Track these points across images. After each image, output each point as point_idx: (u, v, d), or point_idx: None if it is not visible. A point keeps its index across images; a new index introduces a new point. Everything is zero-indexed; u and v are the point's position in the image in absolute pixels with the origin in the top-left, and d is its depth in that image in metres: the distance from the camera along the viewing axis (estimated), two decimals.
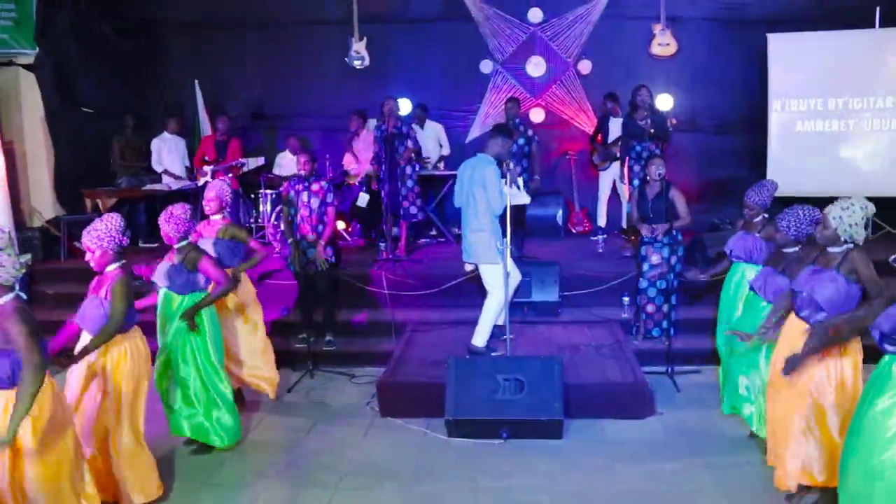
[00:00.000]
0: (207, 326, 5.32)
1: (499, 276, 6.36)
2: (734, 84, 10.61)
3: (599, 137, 10.03)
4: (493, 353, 6.59)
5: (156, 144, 10.25)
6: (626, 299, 7.65)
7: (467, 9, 11.04)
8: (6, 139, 9.59)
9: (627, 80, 9.39)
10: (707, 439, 5.55)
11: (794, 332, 4.41)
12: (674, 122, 8.95)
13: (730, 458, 5.24)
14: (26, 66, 10.05)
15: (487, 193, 6.30)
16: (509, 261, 6.32)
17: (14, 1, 9.81)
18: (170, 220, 5.24)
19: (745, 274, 5.74)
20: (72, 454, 3.94)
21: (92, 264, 4.55)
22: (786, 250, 5.11)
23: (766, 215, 5.80)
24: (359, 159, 10.11)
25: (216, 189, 6.20)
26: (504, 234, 6.30)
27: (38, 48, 9.94)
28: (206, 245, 5.81)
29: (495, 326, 6.61)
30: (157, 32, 11.44)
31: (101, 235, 4.44)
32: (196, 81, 10.86)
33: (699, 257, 8.10)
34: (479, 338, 6.58)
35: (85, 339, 4.53)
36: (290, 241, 7.19)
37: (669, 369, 6.62)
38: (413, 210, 9.11)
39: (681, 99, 10.53)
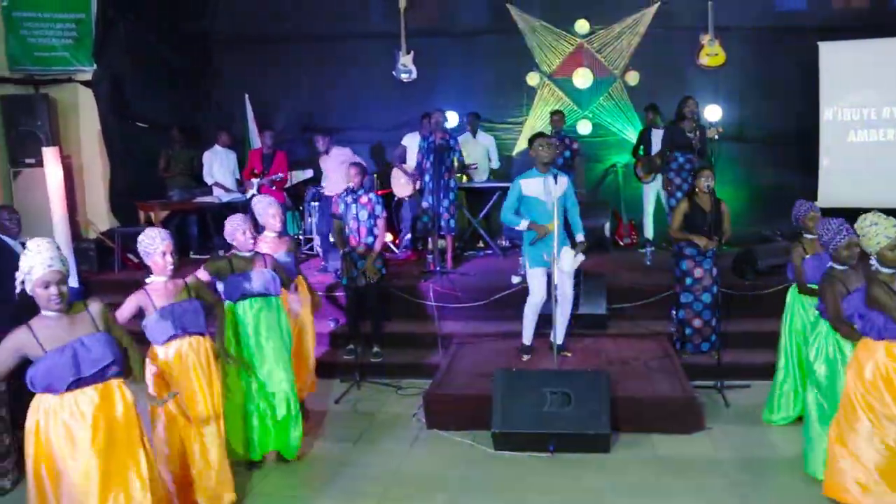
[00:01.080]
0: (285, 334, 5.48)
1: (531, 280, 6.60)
2: (784, 94, 10.46)
3: (641, 150, 9.96)
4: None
5: (207, 157, 10.43)
6: (674, 313, 7.57)
7: (514, 21, 11.06)
8: (65, 153, 9.87)
9: (675, 91, 9.29)
10: (757, 456, 5.45)
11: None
12: (720, 130, 8.85)
13: (780, 476, 5.14)
14: (84, 83, 10.35)
15: None
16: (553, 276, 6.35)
17: (75, 20, 10.13)
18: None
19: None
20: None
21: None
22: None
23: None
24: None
25: (276, 207, 6.21)
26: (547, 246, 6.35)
27: (95, 65, 10.23)
28: (281, 258, 5.93)
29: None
30: (209, 47, 11.69)
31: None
32: (246, 95, 11.04)
33: (749, 269, 8.00)
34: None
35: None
36: (340, 252, 7.27)
37: (719, 384, 6.53)
38: (453, 223, 9.11)
39: (729, 109, 10.44)
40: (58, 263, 3.67)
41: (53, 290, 3.65)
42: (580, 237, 6.65)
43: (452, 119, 10.57)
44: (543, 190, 6.49)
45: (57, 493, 3.70)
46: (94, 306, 3.89)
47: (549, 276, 6.45)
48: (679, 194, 8.28)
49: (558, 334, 6.53)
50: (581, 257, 6.57)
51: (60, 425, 3.70)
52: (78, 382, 3.72)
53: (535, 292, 6.68)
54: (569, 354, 6.78)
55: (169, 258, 4.51)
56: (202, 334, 4.74)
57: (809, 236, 5.74)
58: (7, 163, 9.93)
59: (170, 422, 4.59)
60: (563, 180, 6.57)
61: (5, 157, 9.93)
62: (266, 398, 5.35)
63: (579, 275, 7.91)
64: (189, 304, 4.65)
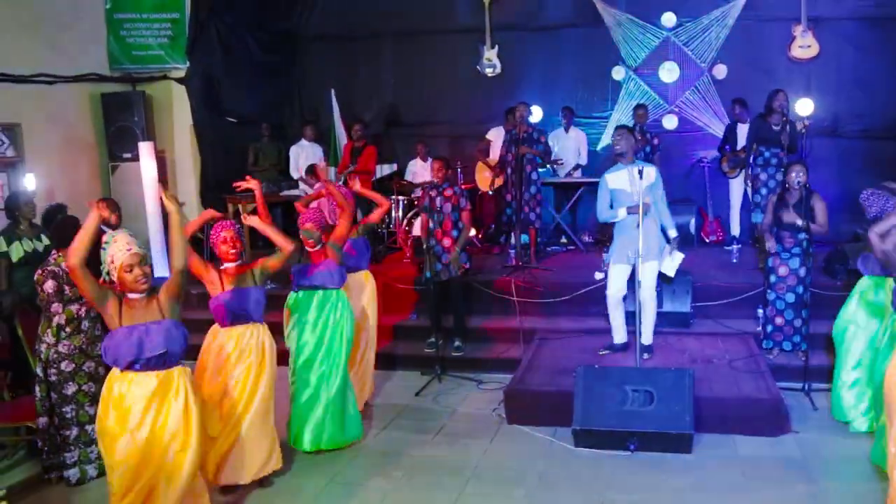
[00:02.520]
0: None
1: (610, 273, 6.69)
2: (881, 87, 10.09)
3: (728, 145, 9.73)
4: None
5: (294, 151, 10.64)
6: (760, 312, 7.39)
7: (599, 15, 10.95)
8: (158, 148, 10.24)
9: (765, 85, 9.01)
10: (845, 461, 5.30)
11: None
12: (807, 123, 8.59)
13: (869, 483, 4.98)
14: (178, 80, 10.73)
15: None
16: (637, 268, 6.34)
17: (170, 20, 10.51)
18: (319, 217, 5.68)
19: None
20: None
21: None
22: None
23: None
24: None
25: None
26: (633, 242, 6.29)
27: (188, 62, 10.58)
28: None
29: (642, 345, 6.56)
30: (297, 44, 11.94)
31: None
32: (332, 90, 11.20)
33: (840, 269, 7.76)
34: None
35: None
36: (425, 246, 7.33)
37: (806, 386, 6.36)
38: (532, 216, 9.00)
39: (822, 103, 10.05)
40: (136, 247, 3.97)
41: (138, 271, 3.96)
42: (672, 232, 6.58)
43: (537, 113, 10.54)
44: (629, 181, 6.44)
45: (112, 461, 3.99)
46: (163, 294, 4.09)
47: (634, 272, 6.40)
48: (764, 190, 8.09)
49: (643, 335, 6.49)
50: (680, 256, 6.52)
51: (120, 400, 3.96)
52: (138, 363, 3.95)
53: (612, 285, 6.64)
54: (646, 356, 6.66)
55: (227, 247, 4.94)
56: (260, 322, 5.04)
57: None
58: (106, 157, 10.37)
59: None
60: (651, 171, 6.50)
61: (105, 151, 10.39)
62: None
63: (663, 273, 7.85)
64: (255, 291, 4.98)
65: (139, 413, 3.95)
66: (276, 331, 5.37)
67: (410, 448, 5.82)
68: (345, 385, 5.64)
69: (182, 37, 10.65)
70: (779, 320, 6.88)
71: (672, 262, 6.63)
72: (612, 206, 6.55)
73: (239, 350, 4.88)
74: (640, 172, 6.28)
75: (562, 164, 10.03)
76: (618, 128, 6.73)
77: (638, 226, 6.16)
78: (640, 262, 6.24)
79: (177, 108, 10.94)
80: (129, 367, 3.96)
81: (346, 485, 5.24)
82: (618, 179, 6.51)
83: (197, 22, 10.58)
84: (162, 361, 4.01)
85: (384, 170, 10.93)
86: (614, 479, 5.17)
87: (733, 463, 5.35)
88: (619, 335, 6.87)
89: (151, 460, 3.98)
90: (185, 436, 4.06)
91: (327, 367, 5.54)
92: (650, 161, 8.76)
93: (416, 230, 9.62)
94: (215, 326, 4.98)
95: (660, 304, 7.56)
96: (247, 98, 11.28)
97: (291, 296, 5.72)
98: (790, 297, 6.79)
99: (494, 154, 9.97)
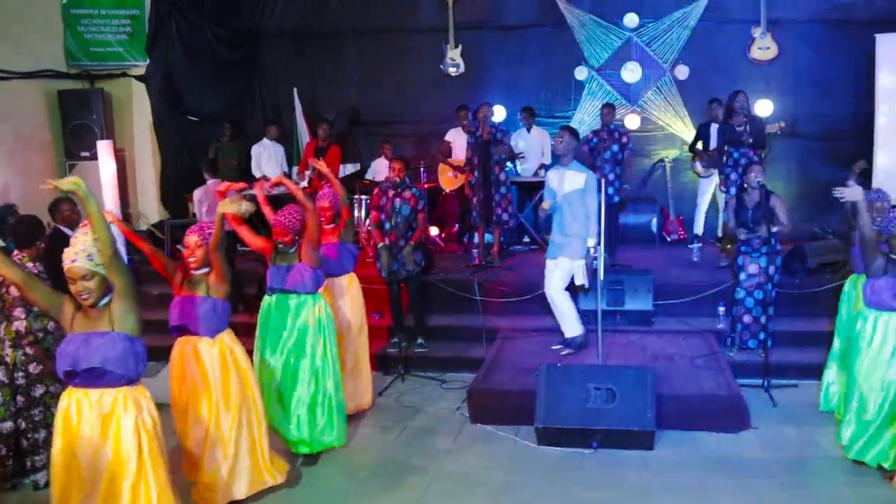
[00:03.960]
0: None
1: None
2: (839, 88, 10.25)
3: (700, 144, 9.77)
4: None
5: (256, 150, 10.52)
6: (721, 309, 7.47)
7: (562, 15, 10.98)
8: (118, 147, 10.09)
9: (726, 86, 9.06)
10: (804, 457, 5.37)
11: None
12: (782, 125, 8.68)
13: (827, 478, 5.07)
14: (137, 77, 10.57)
15: None
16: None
17: (129, 16, 10.35)
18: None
19: None
20: None
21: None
22: None
23: None
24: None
25: (330, 198, 6.27)
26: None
27: (148, 59, 10.43)
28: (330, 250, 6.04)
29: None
30: (259, 42, 11.81)
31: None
32: (295, 89, 11.11)
33: (799, 267, 7.86)
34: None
35: None
36: (380, 245, 7.28)
37: (766, 383, 6.43)
38: (505, 217, 9.02)
39: (782, 104, 10.20)
40: (82, 259, 3.60)
41: (78, 286, 3.62)
42: (591, 241, 6.59)
43: (500, 113, 10.54)
44: (556, 183, 6.66)
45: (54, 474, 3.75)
46: (117, 303, 3.70)
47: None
48: (733, 190, 8.16)
49: (563, 328, 6.84)
50: (580, 263, 6.59)
51: (67, 415, 3.71)
52: (77, 377, 3.66)
53: (545, 281, 6.85)
54: (557, 346, 6.94)
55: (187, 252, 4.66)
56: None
57: None
58: (63, 156, 10.18)
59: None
60: (579, 178, 6.58)
61: (62, 150, 10.19)
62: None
63: (625, 271, 7.91)
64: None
65: (80, 433, 3.66)
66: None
67: (374, 448, 5.79)
68: (329, 389, 5.42)
69: (142, 33, 10.49)
70: (747, 318, 6.95)
71: (581, 271, 6.66)
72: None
73: (196, 364, 4.60)
74: (568, 175, 6.54)
75: (523, 157, 10.00)
76: (561, 128, 6.86)
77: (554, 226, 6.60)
78: (555, 258, 6.64)
79: (136, 106, 10.76)
80: (68, 379, 3.68)
81: (309, 486, 5.19)
82: (553, 178, 6.74)
83: (157, 18, 10.41)
84: (102, 378, 3.66)
85: (347, 169, 10.85)
86: (577, 476, 5.18)
87: (694, 459, 5.39)
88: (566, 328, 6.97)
89: (93, 488, 3.67)
90: (137, 470, 3.72)
91: (306, 373, 5.32)
92: (618, 160, 8.82)
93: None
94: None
95: (622, 302, 7.63)
96: (208, 96, 11.13)
97: (265, 299, 5.49)
98: (759, 295, 6.87)
99: (456, 155, 9.94)
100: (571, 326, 6.83)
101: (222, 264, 4.63)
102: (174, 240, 9.61)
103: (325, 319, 5.45)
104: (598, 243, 6.51)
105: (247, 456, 4.73)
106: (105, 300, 3.72)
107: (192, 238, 4.63)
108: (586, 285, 6.69)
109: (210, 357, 4.62)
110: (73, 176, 3.57)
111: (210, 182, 8.75)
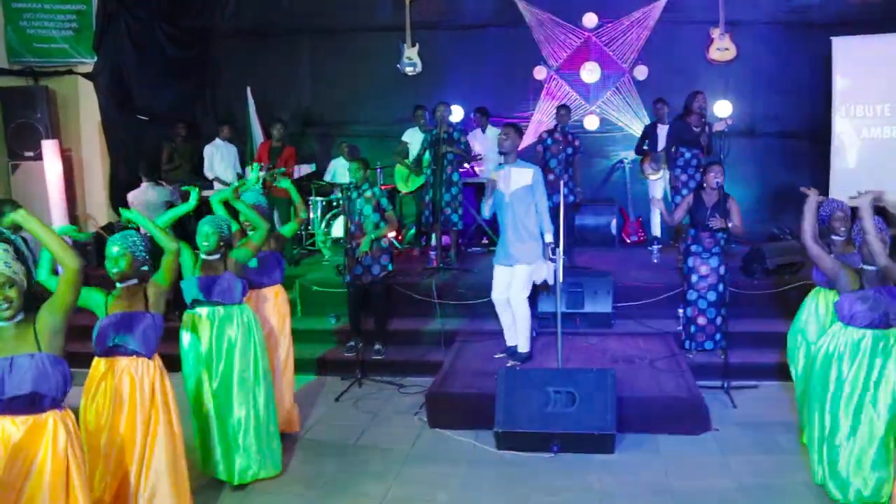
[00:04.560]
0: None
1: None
2: (796, 89, 10.34)
3: (646, 145, 9.75)
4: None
5: (208, 151, 10.28)
6: (680, 311, 7.42)
7: (521, 14, 10.93)
8: (64, 147, 9.79)
9: (684, 86, 9.07)
10: (764, 458, 5.34)
11: None
12: (730, 122, 8.72)
13: (787, 477, 5.03)
14: (85, 75, 10.26)
15: None
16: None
17: (75, 12, 10.03)
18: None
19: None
20: None
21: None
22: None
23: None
24: None
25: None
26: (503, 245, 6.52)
27: (96, 57, 10.13)
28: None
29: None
30: (211, 40, 11.56)
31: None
32: (248, 88, 10.89)
33: (758, 268, 7.85)
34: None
35: None
36: (345, 248, 7.11)
37: (725, 384, 6.39)
38: (454, 218, 8.88)
39: (740, 105, 10.27)
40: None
41: None
42: (548, 237, 6.45)
43: (458, 113, 10.43)
44: (503, 183, 6.46)
45: None
46: (44, 321, 3.36)
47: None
48: (685, 191, 8.13)
49: (518, 342, 6.65)
50: (547, 264, 6.44)
51: None
52: None
53: (493, 287, 6.62)
54: (500, 355, 6.77)
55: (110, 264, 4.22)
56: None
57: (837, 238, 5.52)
58: (6, 156, 9.86)
59: None
60: (526, 173, 6.42)
61: (4, 149, 9.87)
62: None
63: (584, 273, 7.83)
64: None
65: (2, 466, 3.23)
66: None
67: (331, 454, 5.65)
68: (265, 409, 5.12)
69: (88, 30, 10.17)
70: (701, 320, 6.90)
71: (541, 272, 6.53)
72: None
73: (118, 388, 4.10)
74: (515, 171, 6.38)
75: (481, 158, 9.92)
76: (505, 126, 6.73)
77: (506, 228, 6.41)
78: (510, 266, 6.43)
79: (84, 105, 10.44)
80: None
81: (265, 494, 5.03)
82: (499, 178, 6.50)
83: (104, 14, 10.09)
84: (30, 404, 3.29)
85: (302, 170, 10.66)
86: (537, 481, 5.10)
87: (656, 461, 5.34)
88: (511, 338, 6.78)
89: None
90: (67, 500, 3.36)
91: (243, 391, 4.99)
92: (571, 163, 8.75)
93: (336, 231, 9.40)
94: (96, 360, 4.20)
95: (581, 305, 7.56)
96: (158, 95, 10.84)
97: (187, 313, 5.11)
98: (712, 296, 6.82)
99: (413, 155, 9.82)
100: (526, 340, 6.64)
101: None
102: None
103: (256, 330, 5.13)
104: (556, 244, 6.41)
105: None
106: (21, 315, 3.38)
107: (115, 247, 4.29)
108: (549, 282, 6.57)
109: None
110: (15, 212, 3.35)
111: (145, 184, 8.58)
